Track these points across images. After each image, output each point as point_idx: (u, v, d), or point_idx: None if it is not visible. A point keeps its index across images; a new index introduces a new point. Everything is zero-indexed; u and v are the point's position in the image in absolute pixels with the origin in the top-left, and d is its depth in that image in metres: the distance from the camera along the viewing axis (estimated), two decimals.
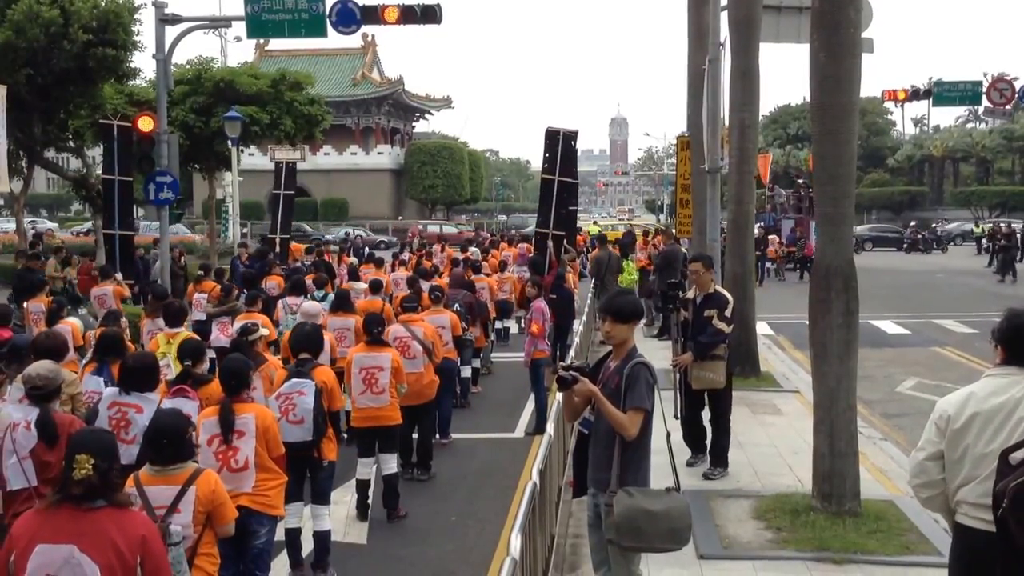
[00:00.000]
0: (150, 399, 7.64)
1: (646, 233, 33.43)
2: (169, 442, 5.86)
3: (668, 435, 6.91)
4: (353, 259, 27.96)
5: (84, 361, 10.37)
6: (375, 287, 15.57)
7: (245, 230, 52.08)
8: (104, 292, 17.23)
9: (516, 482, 11.34)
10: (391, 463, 10.45)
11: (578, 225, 30.83)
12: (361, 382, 10.18)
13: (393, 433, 10.49)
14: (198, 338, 10.05)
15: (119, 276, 18.63)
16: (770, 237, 43.43)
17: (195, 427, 7.02)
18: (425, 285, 15.78)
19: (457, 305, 14.65)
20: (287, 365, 9.38)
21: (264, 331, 10.46)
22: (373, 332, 10.42)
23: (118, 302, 16.91)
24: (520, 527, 6.09)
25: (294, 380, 8.55)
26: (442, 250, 30.00)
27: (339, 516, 10.05)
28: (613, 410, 6.39)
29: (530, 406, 14.84)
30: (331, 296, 15.24)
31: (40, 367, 7.23)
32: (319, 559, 8.80)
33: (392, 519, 10.41)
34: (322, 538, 8.81)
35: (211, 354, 10.90)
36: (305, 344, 9.02)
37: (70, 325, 12.24)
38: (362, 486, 10.49)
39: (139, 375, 7.64)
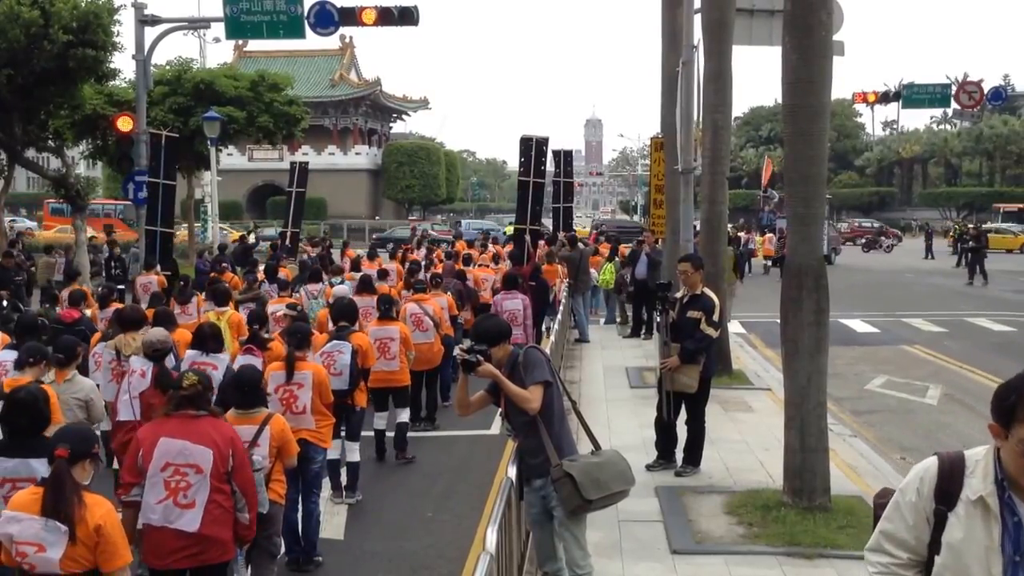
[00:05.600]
0: (221, 359, 9.60)
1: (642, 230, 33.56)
2: (250, 390, 7.52)
3: (574, 403, 7.44)
4: (357, 252, 28.42)
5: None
6: (383, 275, 18.43)
7: (226, 229, 52.08)
8: (149, 281, 19.21)
9: (492, 478, 11.41)
10: (404, 415, 12.68)
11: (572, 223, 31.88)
12: (376, 351, 11.85)
13: (405, 391, 12.73)
14: (263, 311, 12.12)
15: (158, 268, 20.47)
16: (766, 236, 44.51)
17: (262, 377, 8.45)
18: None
19: (450, 291, 16.18)
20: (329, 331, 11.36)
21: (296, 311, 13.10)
22: (382, 309, 12.58)
23: (162, 292, 18.48)
24: (496, 522, 6.14)
25: (335, 341, 10.52)
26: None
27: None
28: (515, 388, 6.82)
29: None
30: (347, 284, 17.39)
31: (157, 333, 9.46)
32: (351, 483, 10.91)
33: (399, 459, 12.47)
34: (354, 467, 10.93)
35: None
36: (344, 314, 11.01)
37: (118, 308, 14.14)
38: (379, 434, 12.54)
39: (212, 340, 9.63)
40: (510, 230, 50.49)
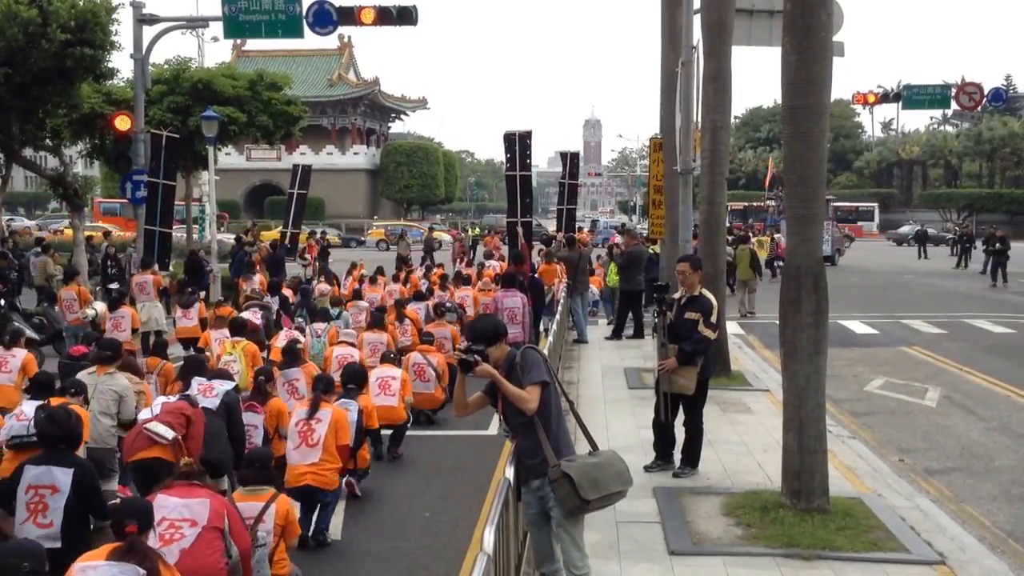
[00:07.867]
0: (216, 385, 9.82)
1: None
2: (261, 466, 7.90)
3: (572, 404, 7.51)
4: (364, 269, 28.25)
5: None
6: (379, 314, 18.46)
7: (223, 228, 52.15)
8: (145, 280, 19.39)
9: (490, 478, 11.40)
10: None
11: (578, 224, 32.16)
12: (377, 387, 12.62)
13: (403, 427, 12.94)
14: (270, 368, 11.97)
15: (156, 267, 20.86)
16: (776, 236, 44.74)
17: (272, 458, 9.00)
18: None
19: (455, 307, 17.15)
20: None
21: (301, 345, 13.91)
22: (390, 357, 13.71)
23: (156, 291, 19.22)
24: (493, 523, 6.12)
25: (344, 400, 10.75)
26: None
27: None
28: (513, 388, 6.83)
29: None
30: (345, 313, 18.77)
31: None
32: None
33: (392, 457, 12.69)
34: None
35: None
36: (353, 378, 11.30)
37: (130, 311, 14.83)
38: (376, 434, 12.51)
39: (197, 368, 10.23)
40: (475, 231, 50.95)
